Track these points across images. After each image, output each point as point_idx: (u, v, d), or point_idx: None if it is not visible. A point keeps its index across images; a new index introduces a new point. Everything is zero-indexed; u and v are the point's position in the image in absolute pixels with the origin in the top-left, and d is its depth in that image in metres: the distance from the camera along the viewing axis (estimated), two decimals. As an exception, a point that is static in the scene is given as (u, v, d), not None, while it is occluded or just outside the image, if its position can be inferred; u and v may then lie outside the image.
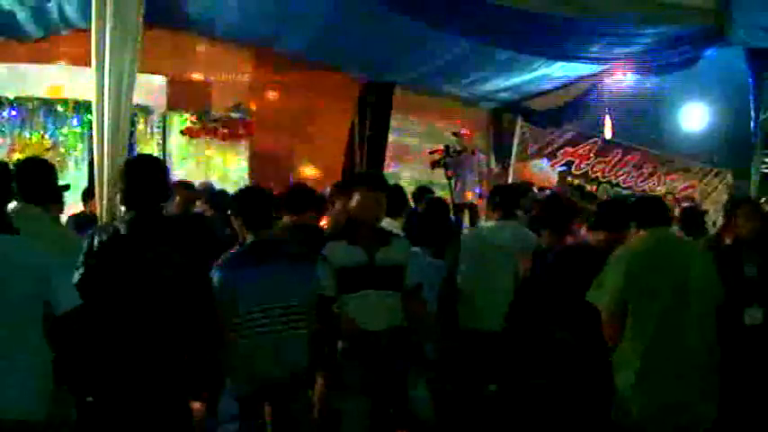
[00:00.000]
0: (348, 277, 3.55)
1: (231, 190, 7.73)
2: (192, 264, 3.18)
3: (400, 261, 3.66)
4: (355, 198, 3.61)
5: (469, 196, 9.29)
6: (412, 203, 6.38)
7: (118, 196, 4.37)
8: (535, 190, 8.38)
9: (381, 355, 3.54)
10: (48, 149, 7.61)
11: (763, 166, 7.98)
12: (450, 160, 9.49)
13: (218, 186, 7.14)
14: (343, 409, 3.59)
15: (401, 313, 3.63)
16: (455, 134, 9.78)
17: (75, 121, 7.86)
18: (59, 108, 7.84)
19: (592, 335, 3.46)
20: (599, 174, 11.54)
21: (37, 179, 3.47)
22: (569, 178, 11.16)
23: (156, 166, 3.37)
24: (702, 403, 3.32)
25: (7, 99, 7.77)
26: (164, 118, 8.59)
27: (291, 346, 3.45)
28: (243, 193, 3.80)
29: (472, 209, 9.02)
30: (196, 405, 3.38)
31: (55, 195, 3.78)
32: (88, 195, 5.70)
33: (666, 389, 3.26)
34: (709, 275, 3.47)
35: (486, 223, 4.75)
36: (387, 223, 4.02)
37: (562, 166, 11.43)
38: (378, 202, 3.63)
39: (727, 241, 4.27)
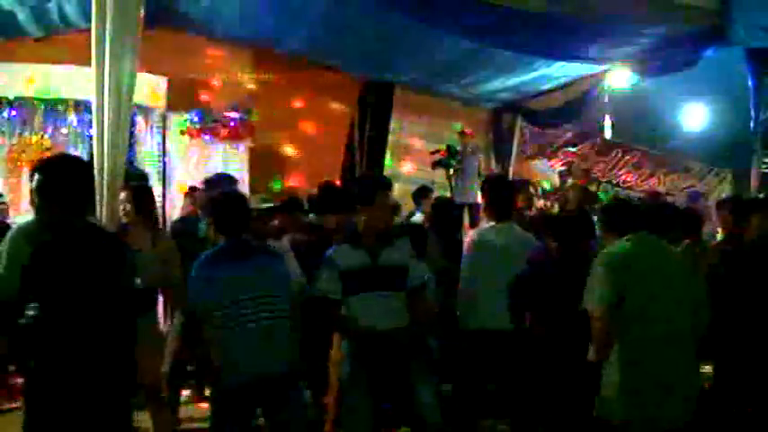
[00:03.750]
0: (352, 279, 3.56)
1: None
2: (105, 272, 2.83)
3: (403, 261, 3.66)
4: (378, 202, 3.63)
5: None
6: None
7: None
8: (532, 190, 8.36)
9: (387, 356, 3.54)
10: (48, 149, 7.58)
11: (764, 166, 7.97)
12: (452, 160, 9.52)
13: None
14: (348, 410, 3.59)
15: (406, 314, 3.63)
16: (460, 133, 9.78)
17: (75, 121, 7.84)
18: (59, 108, 7.82)
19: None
20: (599, 174, 11.56)
21: None
22: (570, 178, 11.17)
23: (78, 167, 2.95)
24: (682, 406, 3.28)
25: (7, 99, 7.75)
26: (164, 118, 8.58)
27: (277, 339, 3.43)
28: (217, 198, 3.77)
29: (472, 209, 9.02)
30: None
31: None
32: None
33: (647, 391, 3.23)
34: (687, 281, 3.41)
35: (485, 225, 4.70)
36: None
37: (562, 166, 11.44)
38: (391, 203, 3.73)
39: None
